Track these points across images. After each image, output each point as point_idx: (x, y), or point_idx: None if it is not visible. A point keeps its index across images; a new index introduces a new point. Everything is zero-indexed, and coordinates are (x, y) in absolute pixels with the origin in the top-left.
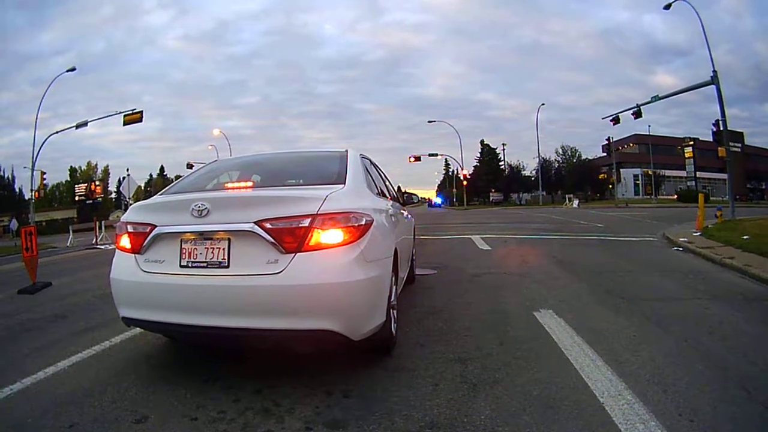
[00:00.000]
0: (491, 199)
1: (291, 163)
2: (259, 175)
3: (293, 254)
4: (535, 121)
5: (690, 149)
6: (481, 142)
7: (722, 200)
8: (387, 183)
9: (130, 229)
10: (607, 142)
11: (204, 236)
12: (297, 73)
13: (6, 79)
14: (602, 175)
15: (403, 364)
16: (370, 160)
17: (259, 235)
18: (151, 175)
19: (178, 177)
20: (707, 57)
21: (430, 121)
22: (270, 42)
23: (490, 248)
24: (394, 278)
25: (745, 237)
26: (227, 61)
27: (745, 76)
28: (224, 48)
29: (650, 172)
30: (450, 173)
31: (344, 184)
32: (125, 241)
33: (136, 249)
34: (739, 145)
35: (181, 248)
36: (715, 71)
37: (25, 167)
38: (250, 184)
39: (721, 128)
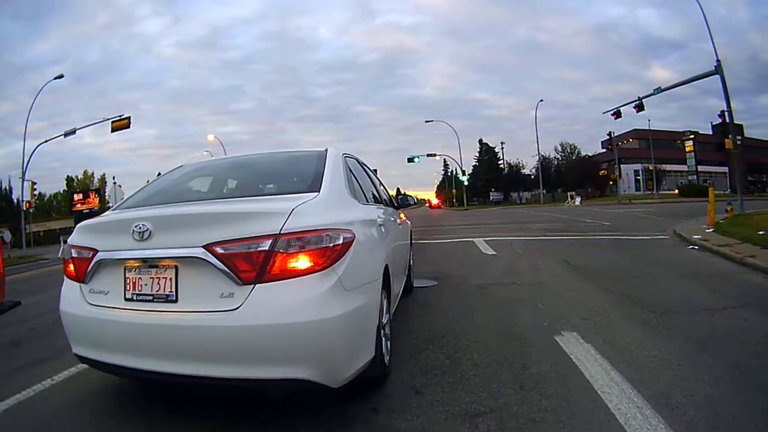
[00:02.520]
0: (491, 198)
1: (261, 166)
2: (229, 181)
3: (252, 285)
4: (534, 118)
5: (691, 143)
6: (480, 141)
7: (724, 194)
8: (378, 185)
9: (74, 253)
10: (608, 137)
11: (148, 263)
12: (293, 77)
13: (2, 90)
14: (603, 171)
15: (394, 424)
16: (357, 160)
17: (210, 263)
18: (148, 182)
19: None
20: (702, 50)
21: (427, 121)
22: (265, 47)
23: (495, 253)
24: (386, 299)
25: (760, 232)
26: (223, 67)
27: (741, 68)
28: (219, 54)
29: (651, 167)
30: (449, 173)
31: (318, 191)
32: (71, 268)
33: (81, 277)
34: (740, 137)
35: (125, 277)
36: (718, 60)
37: (20, 178)
38: (201, 196)
39: (727, 120)
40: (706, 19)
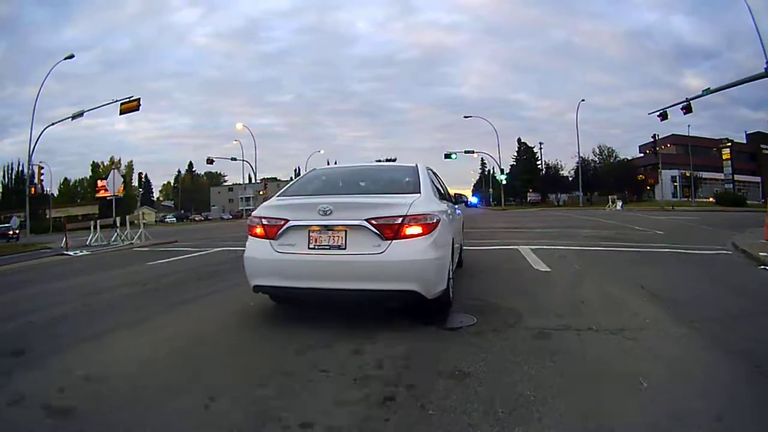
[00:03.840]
0: (528, 199)
1: (377, 174)
2: (356, 183)
3: (390, 241)
4: (575, 119)
5: (728, 150)
6: (518, 140)
7: (758, 204)
8: (444, 187)
9: (264, 222)
10: (652, 140)
11: (327, 228)
12: (330, 71)
13: (29, 75)
14: (641, 176)
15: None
16: (432, 170)
17: (368, 228)
18: (179, 171)
19: (207, 173)
20: (733, 60)
21: (466, 117)
22: (302, 40)
23: (548, 269)
24: (451, 259)
25: None
26: (259, 59)
27: None
28: (256, 45)
29: (688, 174)
30: (486, 172)
31: (419, 193)
32: (260, 231)
33: (271, 236)
34: None
35: (309, 236)
36: None
37: (38, 164)
38: (361, 190)
39: None
40: (754, 21)
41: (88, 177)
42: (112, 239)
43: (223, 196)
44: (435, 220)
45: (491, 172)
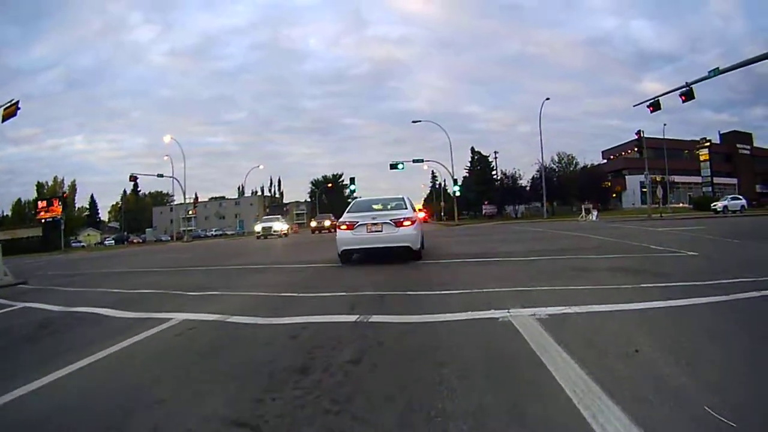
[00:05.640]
0: (484, 212)
1: (387, 201)
2: (381, 205)
3: (399, 228)
4: (530, 127)
5: (706, 151)
6: (472, 149)
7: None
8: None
9: (347, 223)
10: (637, 137)
11: (374, 224)
12: (283, 87)
13: None
14: (607, 182)
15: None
16: (409, 198)
17: (390, 223)
18: (125, 191)
19: (152, 194)
20: (696, 62)
21: (414, 121)
22: (256, 57)
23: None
24: (421, 237)
25: None
26: (214, 77)
27: (735, 80)
28: (211, 63)
29: (659, 179)
30: (437, 186)
31: (407, 209)
32: (345, 226)
33: (350, 228)
34: (748, 147)
35: (367, 227)
36: None
37: None
38: (383, 209)
39: None
40: None
41: (32, 199)
42: None
43: (165, 216)
44: (415, 220)
45: (442, 185)
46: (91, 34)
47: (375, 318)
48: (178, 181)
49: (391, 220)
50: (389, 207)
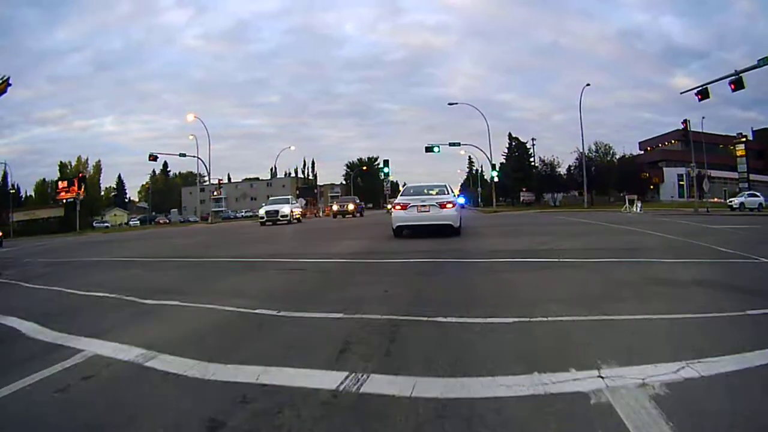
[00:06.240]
0: (521, 199)
1: (433, 187)
2: (428, 190)
3: (443, 209)
4: (576, 109)
5: (742, 147)
6: (510, 135)
7: None
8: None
9: (401, 203)
10: (683, 126)
11: (423, 205)
12: (318, 72)
13: (23, 76)
14: (645, 173)
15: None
16: (450, 185)
17: (436, 205)
18: (154, 171)
19: (181, 174)
20: (723, 59)
21: (451, 104)
22: (290, 41)
23: None
24: (460, 218)
25: None
26: (248, 60)
27: (761, 78)
28: (244, 46)
29: (694, 172)
30: (474, 171)
31: (449, 194)
32: (399, 207)
33: (403, 209)
34: None
35: (418, 208)
36: None
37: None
38: (430, 193)
39: None
40: None
41: (56, 178)
42: None
43: (195, 196)
44: (458, 203)
45: (479, 171)
46: (120, 17)
47: (372, 383)
48: (202, 161)
49: (436, 202)
50: (435, 192)
